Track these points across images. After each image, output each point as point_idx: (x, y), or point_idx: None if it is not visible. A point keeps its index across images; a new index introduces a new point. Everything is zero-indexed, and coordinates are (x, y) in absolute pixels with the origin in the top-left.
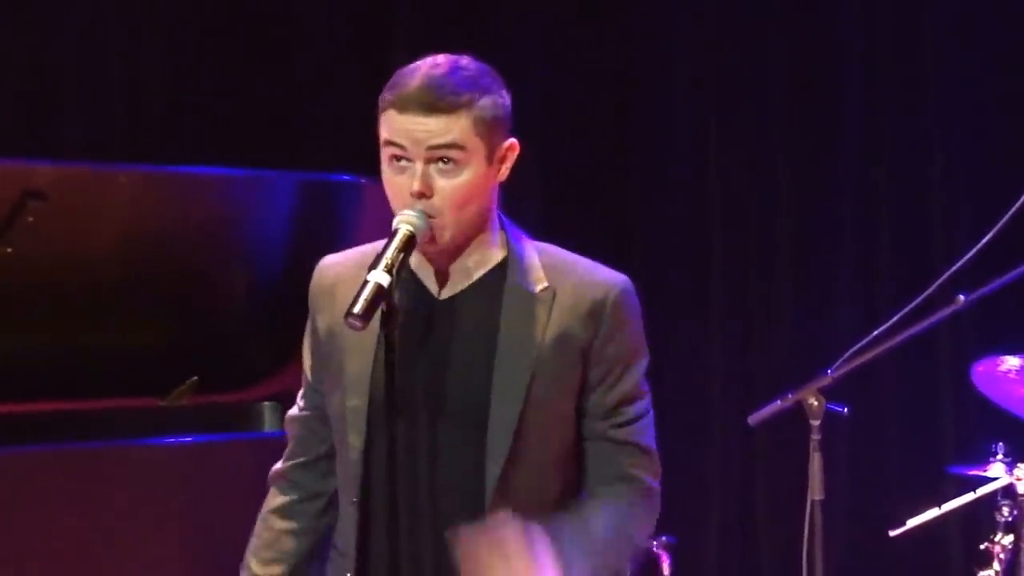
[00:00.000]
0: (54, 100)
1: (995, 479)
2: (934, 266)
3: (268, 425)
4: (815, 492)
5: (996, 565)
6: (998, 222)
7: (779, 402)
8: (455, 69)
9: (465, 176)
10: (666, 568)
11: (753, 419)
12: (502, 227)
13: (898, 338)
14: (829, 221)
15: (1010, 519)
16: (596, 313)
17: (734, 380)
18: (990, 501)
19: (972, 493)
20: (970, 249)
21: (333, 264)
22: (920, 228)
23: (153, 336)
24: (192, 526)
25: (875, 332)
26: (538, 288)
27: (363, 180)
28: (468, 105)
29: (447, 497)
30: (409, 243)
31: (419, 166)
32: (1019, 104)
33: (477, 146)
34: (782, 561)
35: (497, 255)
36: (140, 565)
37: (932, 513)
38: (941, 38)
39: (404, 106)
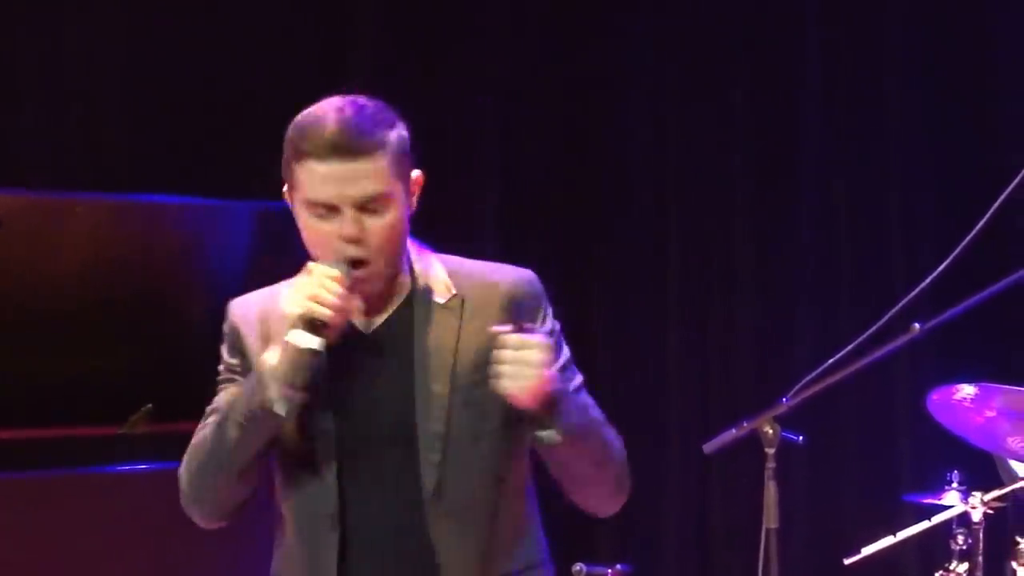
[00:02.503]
0: (11, 128)
1: (950, 507)
2: (894, 294)
3: None
4: (770, 520)
5: None
6: (954, 250)
7: (734, 430)
8: (359, 108)
9: (392, 215)
10: None
11: (708, 447)
12: (409, 247)
13: (854, 366)
14: (788, 248)
15: (965, 547)
16: (506, 308)
17: (691, 407)
18: (945, 529)
19: (927, 521)
20: (925, 278)
21: (248, 302)
22: (880, 256)
23: (111, 364)
24: (148, 554)
25: (831, 360)
26: (446, 298)
27: None
28: (383, 144)
29: (396, 516)
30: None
31: (349, 212)
32: (980, 131)
33: (396, 185)
34: None
35: (408, 279)
36: None
37: (887, 541)
38: (902, 62)
39: (324, 154)
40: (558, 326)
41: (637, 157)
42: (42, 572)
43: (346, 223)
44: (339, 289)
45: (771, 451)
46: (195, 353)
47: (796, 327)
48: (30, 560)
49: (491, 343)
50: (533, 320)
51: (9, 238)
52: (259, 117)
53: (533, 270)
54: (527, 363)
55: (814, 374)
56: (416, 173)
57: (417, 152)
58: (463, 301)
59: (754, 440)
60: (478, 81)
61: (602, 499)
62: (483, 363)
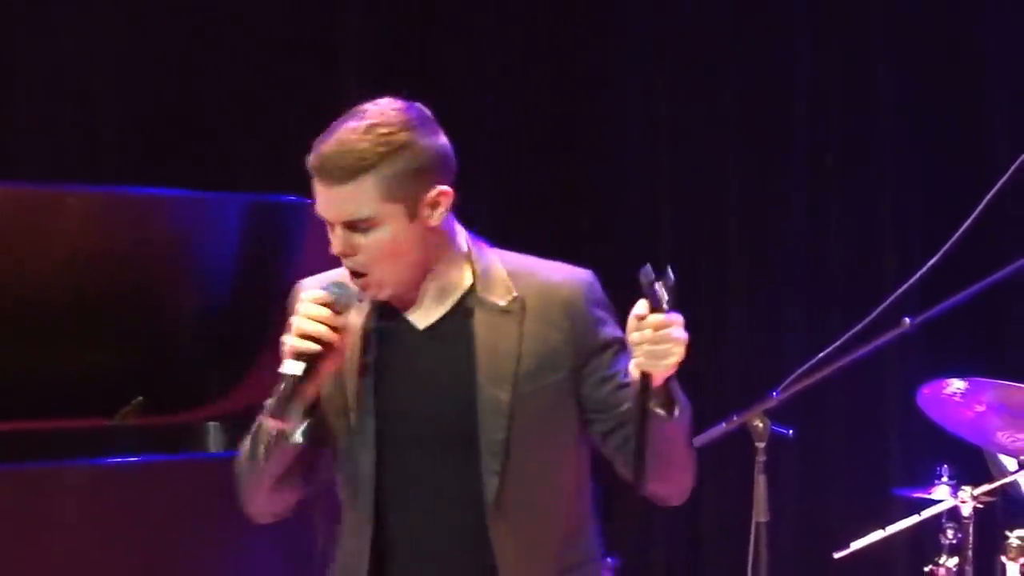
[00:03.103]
0: (2, 122)
1: (940, 501)
2: (884, 288)
3: (213, 446)
4: (760, 514)
5: None
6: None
7: (724, 424)
8: (369, 128)
9: (382, 234)
10: None
11: (698, 441)
12: (468, 245)
13: (844, 360)
14: (779, 243)
15: (954, 541)
16: (567, 314)
17: None
18: (935, 523)
19: (917, 515)
20: (915, 273)
21: (315, 283)
22: (870, 250)
23: (100, 356)
24: (138, 546)
25: (820, 354)
26: (507, 300)
27: (308, 201)
28: (372, 169)
29: (449, 519)
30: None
31: (338, 229)
32: (970, 127)
33: (388, 209)
34: None
35: (467, 276)
36: None
37: (877, 535)
38: (892, 61)
39: (315, 173)
40: (623, 337)
41: (630, 156)
42: (33, 565)
43: (335, 239)
44: (322, 313)
45: (761, 445)
46: (186, 345)
47: (786, 322)
48: (21, 553)
49: (551, 347)
50: (590, 327)
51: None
52: (251, 111)
53: (530, 252)
54: (672, 341)
55: (804, 368)
56: (437, 189)
57: (450, 165)
58: (524, 304)
59: (744, 434)
60: (471, 78)
61: (685, 483)
62: (544, 368)
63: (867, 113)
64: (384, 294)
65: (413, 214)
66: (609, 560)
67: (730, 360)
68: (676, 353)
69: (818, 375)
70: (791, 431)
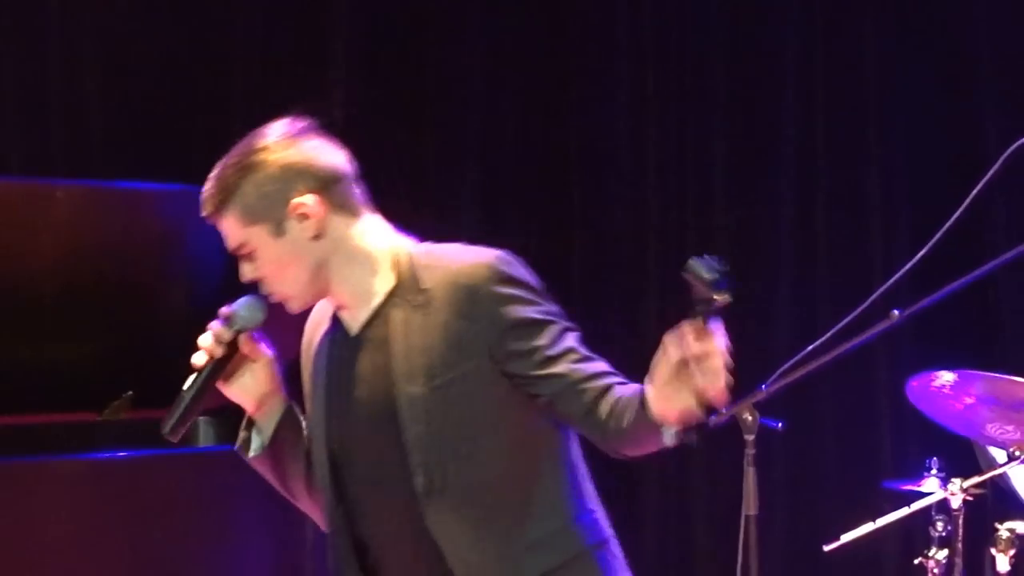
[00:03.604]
0: None
1: (929, 494)
2: (872, 280)
3: (204, 440)
4: (749, 507)
5: None
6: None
7: (713, 417)
8: (228, 159)
9: (262, 255)
10: None
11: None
12: (392, 245)
13: (833, 353)
14: (766, 234)
15: (944, 534)
16: (472, 299)
17: None
18: (924, 516)
19: (907, 508)
20: (904, 264)
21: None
22: (858, 242)
23: (90, 350)
24: (128, 540)
25: (810, 347)
26: (418, 295)
27: None
28: (231, 200)
29: (396, 515)
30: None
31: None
32: (959, 117)
33: (253, 231)
34: None
35: (389, 278)
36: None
37: (867, 528)
38: (881, 49)
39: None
40: (544, 308)
41: (618, 143)
42: (23, 559)
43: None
44: (215, 328)
45: (750, 438)
46: (176, 340)
47: (774, 313)
48: (11, 547)
49: (461, 334)
50: (496, 308)
51: None
52: (241, 103)
53: (514, 249)
54: (713, 371)
55: (793, 361)
56: (299, 200)
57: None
58: (431, 297)
59: (733, 427)
60: (458, 61)
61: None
62: (457, 357)
63: (855, 101)
64: (297, 305)
65: (281, 231)
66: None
67: None
68: (713, 383)
69: (807, 368)
70: (780, 424)
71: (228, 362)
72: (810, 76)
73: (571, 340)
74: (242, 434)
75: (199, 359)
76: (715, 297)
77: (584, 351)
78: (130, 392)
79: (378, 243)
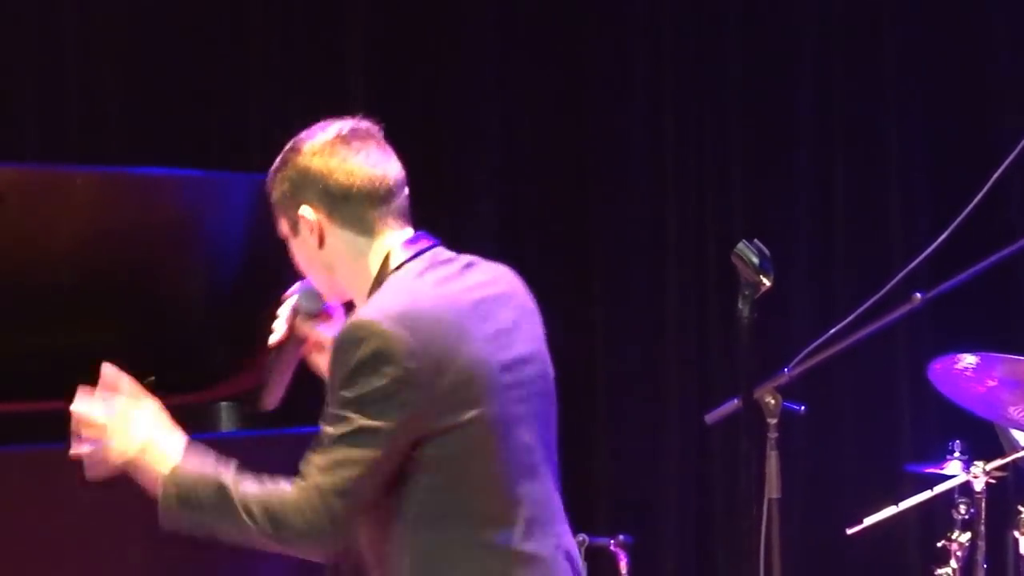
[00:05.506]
0: (9, 103)
1: (952, 477)
2: (891, 264)
3: (225, 425)
4: (772, 490)
5: (953, 563)
6: (954, 221)
7: (736, 401)
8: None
9: (291, 249)
10: (623, 567)
11: (710, 417)
12: (381, 273)
13: (855, 336)
14: (785, 218)
15: (967, 517)
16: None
17: (691, 378)
18: (947, 499)
19: (929, 491)
20: (927, 247)
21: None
22: (877, 226)
23: (109, 337)
24: (149, 526)
25: (832, 330)
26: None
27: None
28: (269, 190)
29: None
30: None
31: None
32: (977, 102)
33: (281, 223)
34: (739, 559)
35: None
36: (97, 566)
37: (889, 511)
38: (898, 35)
39: None
40: (355, 393)
41: (636, 134)
42: (44, 545)
43: None
44: (282, 313)
45: (772, 421)
46: (195, 326)
47: (796, 298)
48: (31, 534)
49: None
50: (336, 370)
51: (8, 212)
52: (258, 90)
53: (532, 252)
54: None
55: (815, 344)
56: (304, 208)
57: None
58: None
59: (755, 410)
60: (477, 57)
61: None
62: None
63: (873, 84)
64: (329, 298)
65: (296, 230)
66: (622, 537)
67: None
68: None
69: (830, 351)
70: (803, 407)
71: (295, 343)
72: (828, 61)
73: (328, 441)
74: None
75: (272, 339)
76: (762, 279)
77: (327, 458)
78: (151, 378)
79: (372, 267)
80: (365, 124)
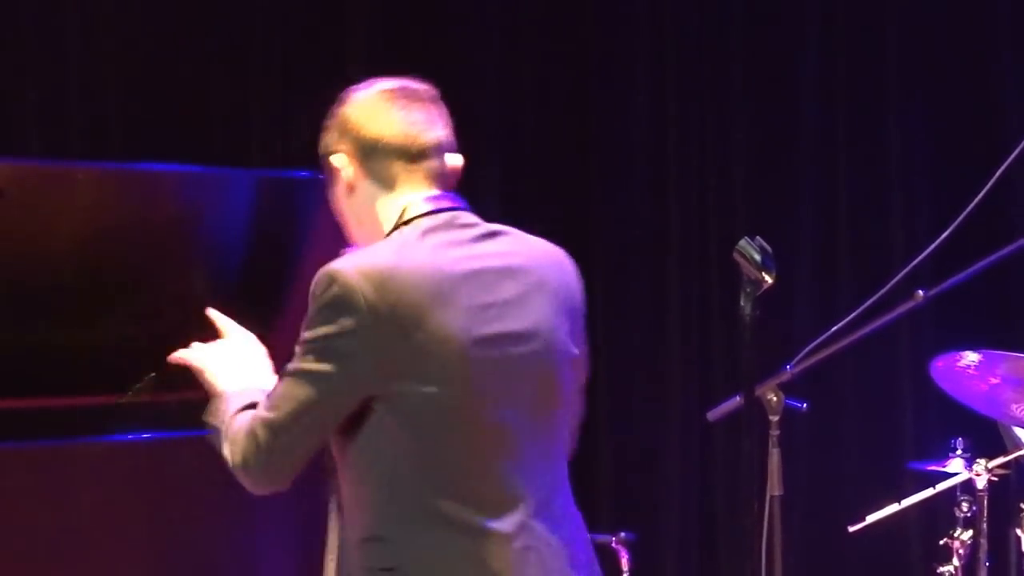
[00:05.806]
0: (10, 99)
1: (954, 475)
2: (893, 262)
3: None
4: (774, 488)
5: (955, 561)
6: (957, 218)
7: (738, 398)
8: None
9: (331, 200)
10: (625, 564)
11: (712, 415)
12: (387, 230)
13: (857, 334)
14: (787, 216)
15: (969, 515)
16: None
17: (693, 376)
18: (949, 497)
19: (931, 489)
20: (929, 245)
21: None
22: (879, 224)
23: (112, 333)
24: (151, 523)
25: (834, 328)
26: None
27: (319, 176)
28: (320, 144)
29: None
30: None
31: None
32: (979, 100)
33: (324, 165)
34: (741, 557)
35: None
36: (99, 562)
37: (891, 509)
38: (900, 34)
39: None
40: (310, 335)
41: (638, 129)
42: (48, 541)
43: None
44: None
45: (775, 419)
46: (197, 322)
47: (797, 295)
48: (35, 529)
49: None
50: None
51: (9, 208)
52: (259, 86)
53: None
54: None
55: (817, 341)
56: (336, 155)
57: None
58: None
59: (758, 407)
60: (479, 56)
61: None
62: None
63: (876, 84)
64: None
65: (331, 175)
66: (623, 534)
67: (741, 333)
68: None
69: (831, 349)
70: (805, 405)
71: None
72: (831, 59)
73: (283, 388)
74: None
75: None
76: (764, 276)
77: (278, 397)
78: (153, 374)
79: (388, 221)
80: (421, 86)
